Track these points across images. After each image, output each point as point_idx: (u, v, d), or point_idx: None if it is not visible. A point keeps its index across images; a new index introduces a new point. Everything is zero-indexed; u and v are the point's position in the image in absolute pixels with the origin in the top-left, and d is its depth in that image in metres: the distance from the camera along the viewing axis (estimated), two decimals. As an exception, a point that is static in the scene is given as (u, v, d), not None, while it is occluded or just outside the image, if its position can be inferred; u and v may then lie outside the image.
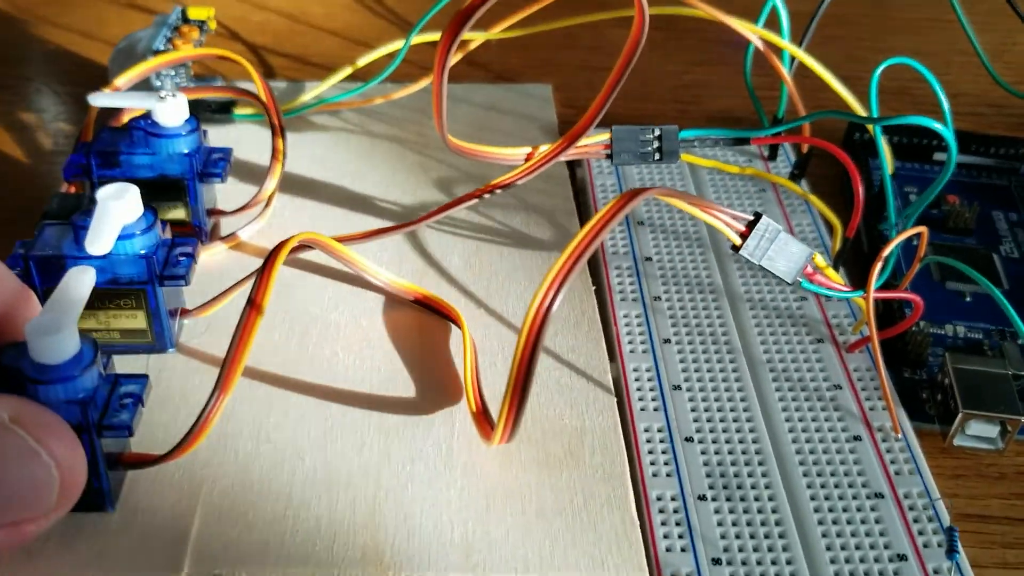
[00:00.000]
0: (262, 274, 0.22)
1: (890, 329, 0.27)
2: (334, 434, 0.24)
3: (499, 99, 0.38)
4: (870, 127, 0.29)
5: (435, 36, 0.37)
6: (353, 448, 0.24)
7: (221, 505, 0.22)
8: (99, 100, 0.27)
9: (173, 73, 0.32)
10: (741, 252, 0.24)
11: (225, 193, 0.30)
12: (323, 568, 0.21)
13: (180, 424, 0.24)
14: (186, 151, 0.27)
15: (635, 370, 0.27)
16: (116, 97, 0.27)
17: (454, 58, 0.36)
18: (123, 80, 0.29)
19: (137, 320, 0.24)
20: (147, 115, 0.27)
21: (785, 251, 0.24)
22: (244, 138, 0.34)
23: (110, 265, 0.23)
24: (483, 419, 0.23)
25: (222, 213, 0.30)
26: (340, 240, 0.27)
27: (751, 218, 0.24)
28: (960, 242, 0.32)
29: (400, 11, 0.44)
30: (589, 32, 0.41)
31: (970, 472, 0.25)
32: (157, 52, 0.32)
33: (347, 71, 0.36)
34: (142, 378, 0.20)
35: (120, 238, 0.23)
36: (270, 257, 0.23)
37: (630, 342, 0.27)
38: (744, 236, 0.24)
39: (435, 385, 0.26)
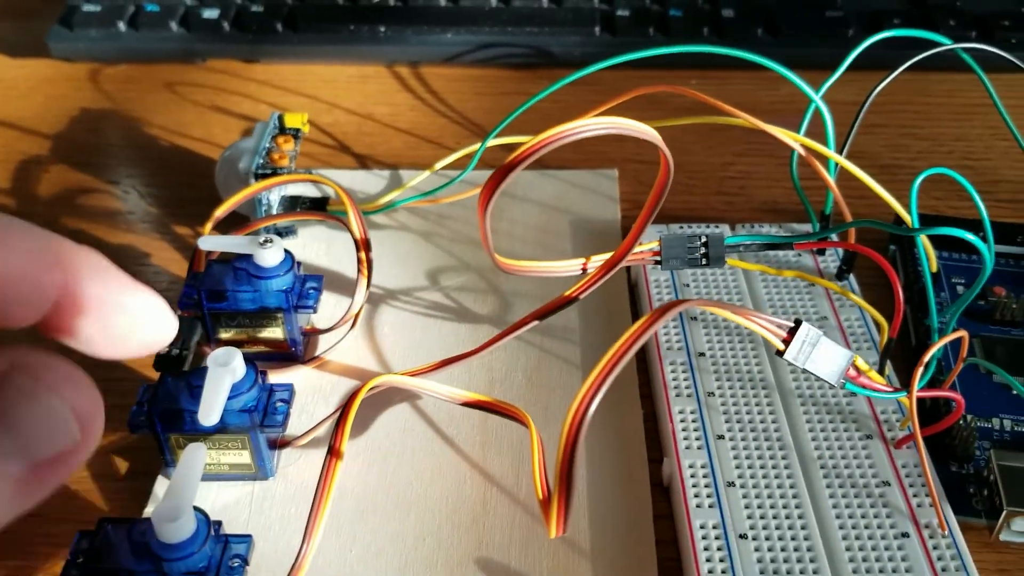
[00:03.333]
0: (339, 424, 0.26)
1: (935, 425, 0.28)
2: (407, 570, 0.27)
3: (568, 184, 0.40)
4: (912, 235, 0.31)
5: (507, 139, 0.40)
6: None
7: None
8: (207, 244, 0.31)
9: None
10: (785, 357, 0.25)
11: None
12: None
13: (280, 554, 0.27)
14: (283, 288, 0.31)
15: (690, 466, 0.28)
16: (223, 242, 0.31)
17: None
18: (223, 209, 0.34)
19: (243, 457, 0.28)
20: (248, 257, 0.31)
21: (827, 355, 0.26)
22: (335, 236, 0.38)
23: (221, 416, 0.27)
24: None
25: (316, 332, 0.33)
26: (411, 374, 0.30)
27: (792, 324, 0.25)
28: (1008, 333, 0.33)
29: (461, 109, 0.46)
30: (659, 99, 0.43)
31: (1015, 567, 0.26)
32: (257, 173, 0.35)
33: (425, 174, 0.39)
34: (246, 538, 0.24)
35: (229, 397, 0.26)
36: (345, 407, 0.27)
37: (685, 438, 0.29)
38: (787, 341, 0.25)
39: (497, 493, 0.28)
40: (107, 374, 0.32)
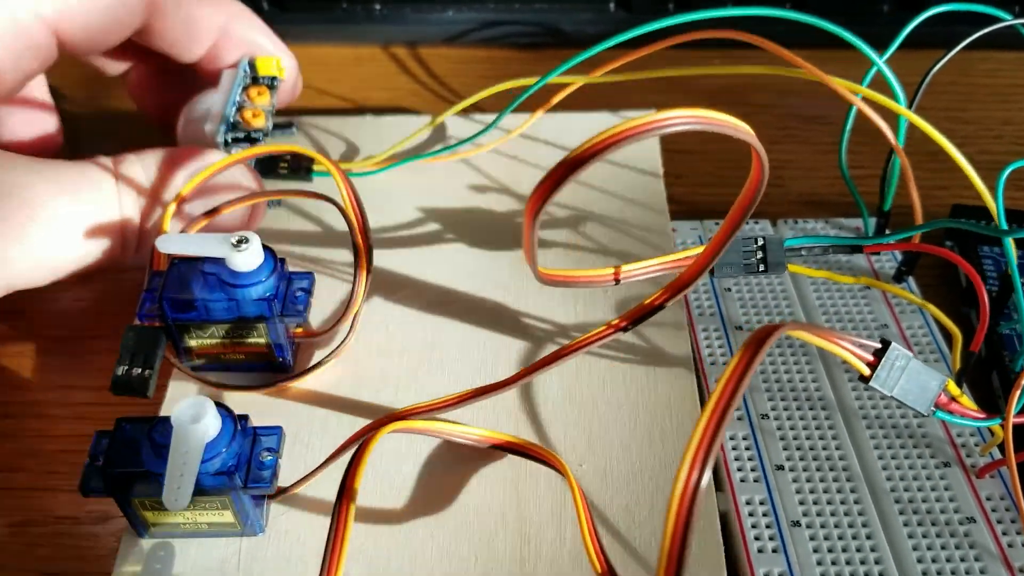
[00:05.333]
0: (349, 473, 0.21)
1: (1021, 453, 0.25)
2: None
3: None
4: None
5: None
6: None
7: None
8: (167, 246, 0.26)
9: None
10: (872, 383, 0.22)
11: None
12: None
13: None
14: (264, 296, 0.26)
15: (748, 503, 0.25)
16: (186, 242, 0.26)
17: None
18: (189, 188, 0.28)
19: (225, 516, 0.23)
20: (220, 260, 0.25)
21: (917, 380, 0.22)
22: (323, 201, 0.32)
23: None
24: None
25: (308, 336, 0.28)
26: (430, 408, 0.25)
27: (879, 346, 0.22)
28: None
29: (465, 94, 0.42)
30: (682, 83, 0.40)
31: None
32: (228, 141, 0.31)
33: (440, 118, 0.35)
34: None
35: (204, 459, 0.22)
36: (356, 457, 0.22)
37: (739, 469, 0.25)
38: (872, 365, 0.22)
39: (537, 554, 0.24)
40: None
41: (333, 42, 0.45)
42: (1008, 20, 0.32)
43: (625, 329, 0.25)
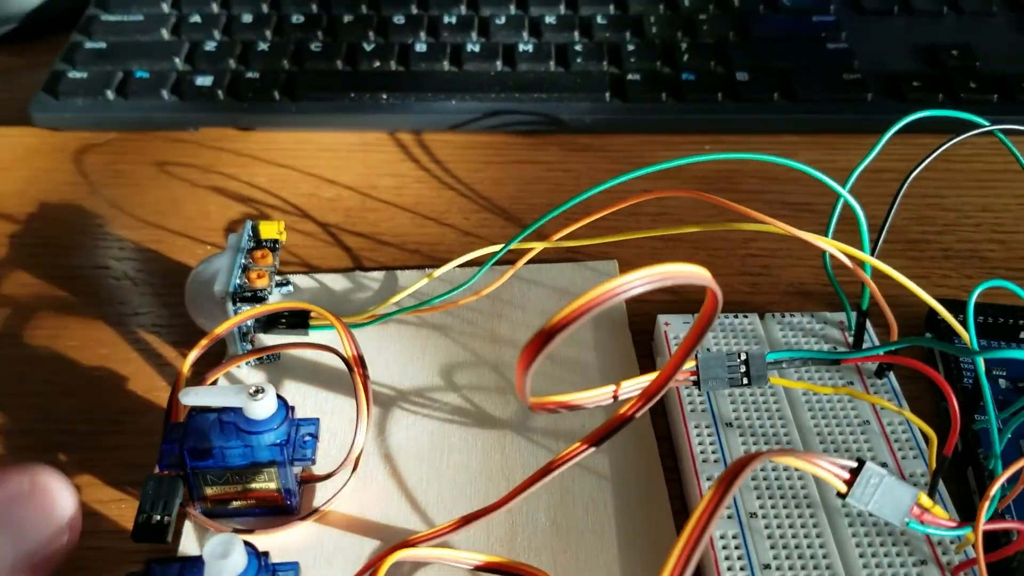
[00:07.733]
0: None
1: (995, 553, 0.27)
2: None
3: (567, 280, 0.38)
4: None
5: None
6: None
7: None
8: (190, 399, 0.28)
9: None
10: (848, 500, 0.24)
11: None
12: None
13: None
14: (277, 442, 0.28)
15: (738, 603, 0.26)
16: (207, 395, 0.28)
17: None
18: (200, 348, 0.32)
19: None
20: (237, 409, 0.28)
21: (891, 495, 0.24)
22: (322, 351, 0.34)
23: None
24: None
25: (313, 479, 0.31)
26: (429, 537, 0.28)
27: (854, 465, 0.24)
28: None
29: (469, 180, 0.44)
30: (652, 202, 0.42)
31: None
32: (235, 297, 0.33)
33: (423, 281, 0.37)
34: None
35: None
36: None
37: (729, 568, 0.27)
38: (849, 483, 0.24)
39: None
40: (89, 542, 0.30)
41: (341, 128, 0.47)
42: (987, 127, 0.34)
43: (599, 442, 0.27)
